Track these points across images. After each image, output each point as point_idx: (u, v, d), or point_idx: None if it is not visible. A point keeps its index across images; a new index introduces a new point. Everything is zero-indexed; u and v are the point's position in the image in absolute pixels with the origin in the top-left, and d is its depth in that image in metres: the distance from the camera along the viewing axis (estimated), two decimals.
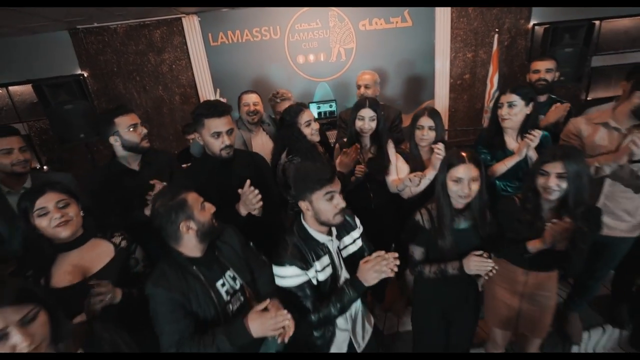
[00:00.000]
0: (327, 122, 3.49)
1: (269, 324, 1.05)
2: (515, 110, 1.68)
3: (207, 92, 3.71)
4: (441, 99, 3.98)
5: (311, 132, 1.79)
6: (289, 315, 1.07)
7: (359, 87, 2.44)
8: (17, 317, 0.74)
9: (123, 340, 0.97)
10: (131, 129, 1.63)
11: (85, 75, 3.52)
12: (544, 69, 2.21)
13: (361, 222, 1.43)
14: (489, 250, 1.30)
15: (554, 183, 1.25)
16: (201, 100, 3.70)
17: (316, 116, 2.82)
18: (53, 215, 1.15)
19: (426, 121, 1.79)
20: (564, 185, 1.25)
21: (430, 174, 1.70)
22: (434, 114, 1.81)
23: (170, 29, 3.52)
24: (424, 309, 1.55)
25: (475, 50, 3.92)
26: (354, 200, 1.63)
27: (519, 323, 1.55)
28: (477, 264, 1.22)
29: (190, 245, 1.16)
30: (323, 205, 1.17)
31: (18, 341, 0.74)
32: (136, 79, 3.69)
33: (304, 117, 1.79)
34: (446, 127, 3.98)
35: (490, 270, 1.23)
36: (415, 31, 3.77)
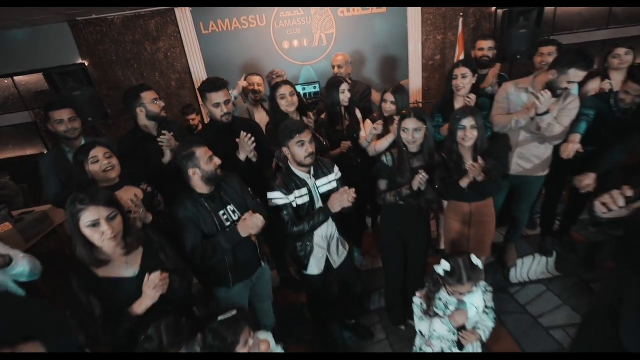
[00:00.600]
0: (312, 101, 3.87)
1: (249, 224, 1.50)
2: (466, 80, 2.10)
3: (200, 77, 4.04)
4: (415, 78, 4.40)
5: (285, 103, 2.18)
6: (261, 217, 1.52)
7: (333, 67, 2.85)
8: (106, 214, 1.15)
9: (165, 244, 1.39)
10: (154, 102, 2.02)
11: (86, 64, 3.80)
12: (486, 47, 2.65)
13: (346, 176, 1.84)
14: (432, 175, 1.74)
15: (469, 133, 1.69)
16: (195, 85, 4.05)
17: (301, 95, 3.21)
18: (102, 162, 1.55)
19: (389, 97, 2.20)
20: (476, 133, 1.69)
21: (390, 138, 2.13)
22: (396, 90, 2.21)
23: (164, 19, 3.82)
24: (387, 232, 1.99)
25: (444, 33, 4.31)
26: (341, 159, 2.09)
27: (469, 246, 2.00)
28: (421, 180, 1.64)
29: (198, 185, 1.57)
30: (296, 150, 1.61)
31: (105, 229, 1.15)
32: (134, 66, 3.99)
33: (279, 92, 2.19)
34: (422, 101, 4.42)
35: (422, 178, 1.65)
36: (389, 17, 4.14)
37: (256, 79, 2.85)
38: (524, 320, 2.19)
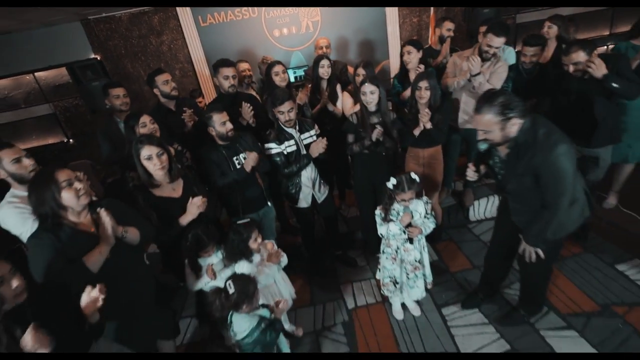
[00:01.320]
0: (301, 84, 4.35)
1: (249, 160, 2.01)
2: (412, 56, 2.58)
3: (201, 65, 4.51)
4: (395, 58, 4.85)
5: (279, 79, 2.69)
6: (256, 154, 2.02)
7: (316, 49, 3.35)
8: (156, 151, 1.66)
9: (197, 180, 1.92)
10: (164, 84, 2.52)
11: (99, 58, 4.26)
12: (445, 27, 3.15)
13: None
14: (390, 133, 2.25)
15: (424, 92, 2.19)
16: (197, 74, 4.52)
17: (292, 80, 3.67)
18: (149, 127, 2.05)
19: (360, 71, 2.68)
20: (429, 93, 2.19)
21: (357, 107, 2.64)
22: (366, 65, 2.69)
23: (166, 14, 4.26)
24: (358, 177, 2.50)
25: (419, 15, 4.75)
26: (321, 124, 2.60)
27: (423, 183, 2.52)
28: (377, 132, 2.15)
29: (216, 139, 2.08)
30: (280, 116, 2.14)
31: (156, 162, 1.66)
32: (141, 58, 4.45)
33: (273, 70, 2.69)
34: None
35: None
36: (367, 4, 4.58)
37: (245, 65, 3.33)
38: (477, 246, 2.73)
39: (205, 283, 1.80)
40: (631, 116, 2.44)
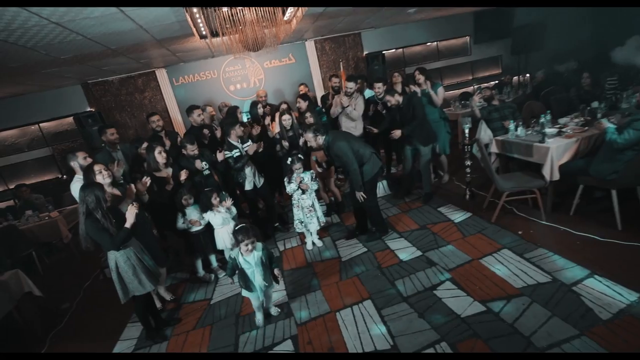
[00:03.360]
0: (250, 122, 5.95)
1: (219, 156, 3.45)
2: (301, 104, 4.26)
3: (175, 114, 6.00)
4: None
5: (240, 117, 4.25)
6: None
7: (257, 97, 5.01)
8: (162, 149, 3.05)
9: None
10: (197, 115, 3.99)
11: (94, 110, 5.62)
12: (337, 82, 4.96)
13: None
14: None
15: (308, 119, 3.83)
16: (172, 119, 5.99)
17: (245, 120, 5.25)
18: (163, 154, 3.41)
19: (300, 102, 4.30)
20: (312, 120, 3.81)
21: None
22: (305, 98, 4.33)
23: (148, 77, 5.81)
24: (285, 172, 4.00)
25: (335, 72, 6.70)
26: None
27: (323, 175, 4.04)
28: (285, 145, 3.71)
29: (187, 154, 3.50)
30: (231, 135, 3.60)
31: (163, 155, 3.04)
32: (127, 110, 5.87)
33: (238, 110, 4.26)
34: None
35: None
36: (298, 65, 6.48)
37: (210, 108, 4.91)
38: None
39: (187, 225, 3.12)
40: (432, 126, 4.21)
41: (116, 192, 2.69)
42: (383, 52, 6.47)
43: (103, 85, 5.69)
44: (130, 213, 2.33)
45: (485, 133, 4.08)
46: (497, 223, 3.27)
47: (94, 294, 3.67)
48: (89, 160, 2.90)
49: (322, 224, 3.54)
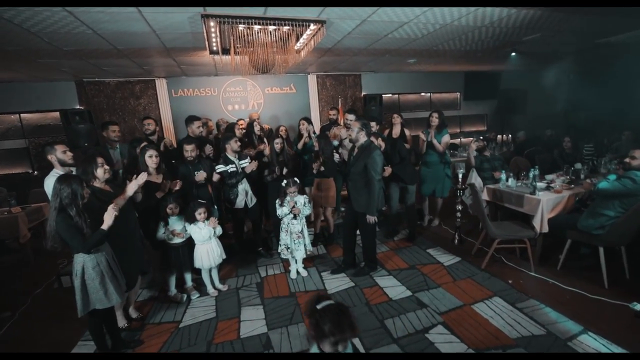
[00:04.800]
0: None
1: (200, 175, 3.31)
2: (304, 126, 4.30)
3: (168, 124, 5.86)
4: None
5: (238, 132, 4.18)
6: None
7: (250, 118, 5.01)
8: (154, 153, 2.90)
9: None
10: (197, 127, 3.86)
11: (83, 108, 5.40)
12: (334, 114, 5.07)
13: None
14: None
15: (316, 144, 3.81)
16: (164, 129, 5.84)
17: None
18: (154, 159, 3.25)
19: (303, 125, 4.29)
20: (318, 145, 3.81)
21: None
22: (308, 121, 4.33)
23: (146, 85, 5.73)
24: (271, 198, 3.88)
25: (334, 107, 6.89)
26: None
27: (322, 201, 3.95)
28: (277, 169, 3.64)
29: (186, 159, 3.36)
30: (227, 150, 3.50)
31: (154, 160, 2.88)
32: (119, 113, 5.69)
33: (236, 127, 4.20)
34: None
35: None
36: (298, 95, 6.63)
37: (211, 122, 4.84)
38: None
39: (168, 236, 2.89)
40: (429, 169, 4.30)
41: (108, 188, 2.49)
42: (382, 95, 6.77)
43: (98, 86, 5.54)
44: (109, 214, 2.13)
45: (476, 180, 4.20)
46: (487, 270, 3.23)
47: (44, 304, 3.23)
48: (69, 154, 2.69)
49: (308, 252, 3.38)
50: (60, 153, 2.68)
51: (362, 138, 3.11)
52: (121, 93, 5.65)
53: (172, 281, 3.09)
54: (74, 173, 2.53)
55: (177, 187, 3.00)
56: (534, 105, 7.62)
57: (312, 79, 6.70)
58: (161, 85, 5.77)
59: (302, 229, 3.31)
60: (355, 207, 3.22)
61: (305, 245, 3.33)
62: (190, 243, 3.07)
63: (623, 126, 5.48)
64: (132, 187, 2.52)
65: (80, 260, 2.08)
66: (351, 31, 3.89)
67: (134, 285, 2.69)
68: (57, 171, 2.70)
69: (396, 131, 4.75)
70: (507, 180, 3.66)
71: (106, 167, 2.47)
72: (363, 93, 7.12)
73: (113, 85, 5.61)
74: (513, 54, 5.74)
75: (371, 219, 3.08)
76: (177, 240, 2.97)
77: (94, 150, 3.95)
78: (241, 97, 6.31)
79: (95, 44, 3.52)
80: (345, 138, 4.05)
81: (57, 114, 5.22)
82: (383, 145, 3.87)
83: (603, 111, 6.40)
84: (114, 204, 2.18)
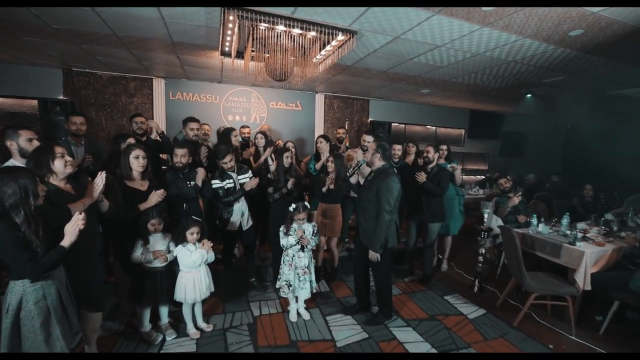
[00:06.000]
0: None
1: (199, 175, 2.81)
2: (322, 145, 3.88)
3: (161, 126, 5.33)
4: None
5: (234, 140, 3.71)
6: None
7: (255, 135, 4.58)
8: (142, 154, 2.38)
9: (159, 185, 2.59)
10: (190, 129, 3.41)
11: (67, 99, 4.83)
12: (342, 133, 4.72)
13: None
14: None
15: (330, 164, 3.37)
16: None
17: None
18: (140, 161, 2.71)
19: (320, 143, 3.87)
20: (333, 166, 3.36)
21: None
22: (325, 139, 3.91)
23: (142, 83, 5.24)
24: (275, 222, 3.31)
25: (342, 126, 6.56)
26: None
27: (326, 229, 3.45)
28: (291, 183, 3.17)
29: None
30: (222, 165, 2.98)
31: (141, 162, 2.36)
32: (107, 110, 5.13)
33: (232, 133, 3.73)
34: None
35: None
36: (304, 113, 6.28)
37: (206, 127, 4.38)
38: None
39: (146, 258, 2.31)
40: (444, 204, 3.93)
41: (69, 188, 1.93)
42: (390, 122, 6.51)
43: (88, 77, 5.01)
44: (73, 225, 1.58)
45: (495, 223, 3.84)
46: (519, 328, 2.78)
47: None
48: (36, 143, 2.15)
49: (314, 291, 2.85)
50: (24, 141, 2.14)
51: (378, 162, 2.72)
52: (113, 88, 5.13)
53: (146, 315, 2.46)
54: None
55: (160, 198, 2.45)
56: (533, 149, 7.60)
57: (319, 98, 6.40)
58: (158, 85, 5.29)
59: (308, 262, 2.79)
60: (362, 239, 2.77)
61: (311, 282, 2.80)
62: (171, 269, 2.50)
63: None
64: (98, 185, 1.96)
65: (19, 289, 1.50)
66: (378, 48, 3.61)
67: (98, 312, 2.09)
68: (15, 162, 2.15)
69: (410, 160, 4.42)
70: (537, 225, 3.31)
71: (68, 158, 1.92)
72: (370, 119, 6.86)
73: (105, 79, 5.09)
74: (529, 95, 5.65)
75: (374, 255, 2.64)
76: (157, 263, 2.39)
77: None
78: (244, 108, 5.89)
79: (92, 25, 3.07)
80: (362, 160, 3.65)
81: (35, 102, 4.61)
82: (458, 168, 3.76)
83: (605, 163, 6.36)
84: (79, 211, 1.65)
